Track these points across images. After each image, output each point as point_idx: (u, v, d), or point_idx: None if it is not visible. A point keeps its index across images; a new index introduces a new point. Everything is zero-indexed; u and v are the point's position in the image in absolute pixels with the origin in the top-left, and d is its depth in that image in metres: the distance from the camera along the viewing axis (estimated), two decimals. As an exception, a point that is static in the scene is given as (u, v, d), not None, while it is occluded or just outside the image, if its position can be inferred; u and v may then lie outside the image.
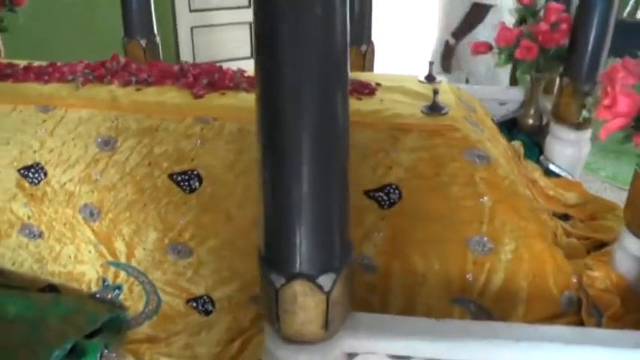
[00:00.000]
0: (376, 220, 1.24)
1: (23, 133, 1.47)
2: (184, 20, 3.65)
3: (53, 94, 1.53)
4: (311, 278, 0.86)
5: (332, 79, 0.76)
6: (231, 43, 3.84)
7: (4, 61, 1.79)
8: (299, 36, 0.72)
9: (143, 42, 1.98)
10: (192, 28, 3.72)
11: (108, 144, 1.39)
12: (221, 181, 1.29)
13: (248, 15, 3.78)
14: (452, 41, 2.99)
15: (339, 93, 0.78)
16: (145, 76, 1.55)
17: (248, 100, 1.40)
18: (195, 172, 1.30)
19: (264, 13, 0.73)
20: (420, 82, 1.56)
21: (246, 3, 3.81)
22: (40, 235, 1.46)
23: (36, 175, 1.43)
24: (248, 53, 3.87)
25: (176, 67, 1.61)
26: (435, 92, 1.34)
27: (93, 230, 1.40)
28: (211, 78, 1.49)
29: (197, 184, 1.30)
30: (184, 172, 1.30)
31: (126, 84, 1.54)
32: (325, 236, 0.86)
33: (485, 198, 1.22)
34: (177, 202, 1.30)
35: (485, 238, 1.20)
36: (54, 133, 1.45)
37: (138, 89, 1.52)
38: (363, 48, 2.03)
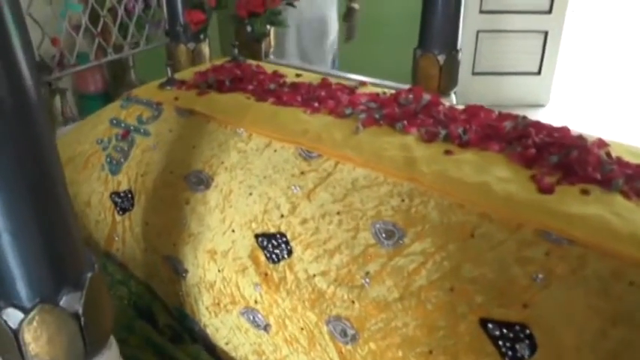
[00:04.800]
0: None
1: (272, 184, 1.04)
2: (470, 22, 3.07)
3: (321, 135, 1.05)
4: None
5: None
6: (519, 53, 3.22)
7: (269, 68, 1.38)
8: None
9: (441, 58, 1.47)
10: (477, 32, 3.15)
11: (391, 236, 0.87)
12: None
13: (545, 22, 3.11)
14: None
15: None
16: (460, 132, 0.98)
17: (633, 217, 0.77)
18: (526, 332, 0.71)
19: None
20: None
21: (547, 8, 3.10)
22: (266, 327, 1.03)
23: (277, 250, 0.99)
24: (536, 68, 3.23)
25: (507, 123, 1.00)
26: None
27: (340, 352, 0.92)
28: (563, 154, 0.87)
29: (526, 351, 0.72)
30: (508, 325, 0.73)
31: (430, 138, 0.99)
32: None
33: None
34: (488, 368, 0.73)
35: None
36: (313, 196, 0.98)
37: (447, 151, 0.96)
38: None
